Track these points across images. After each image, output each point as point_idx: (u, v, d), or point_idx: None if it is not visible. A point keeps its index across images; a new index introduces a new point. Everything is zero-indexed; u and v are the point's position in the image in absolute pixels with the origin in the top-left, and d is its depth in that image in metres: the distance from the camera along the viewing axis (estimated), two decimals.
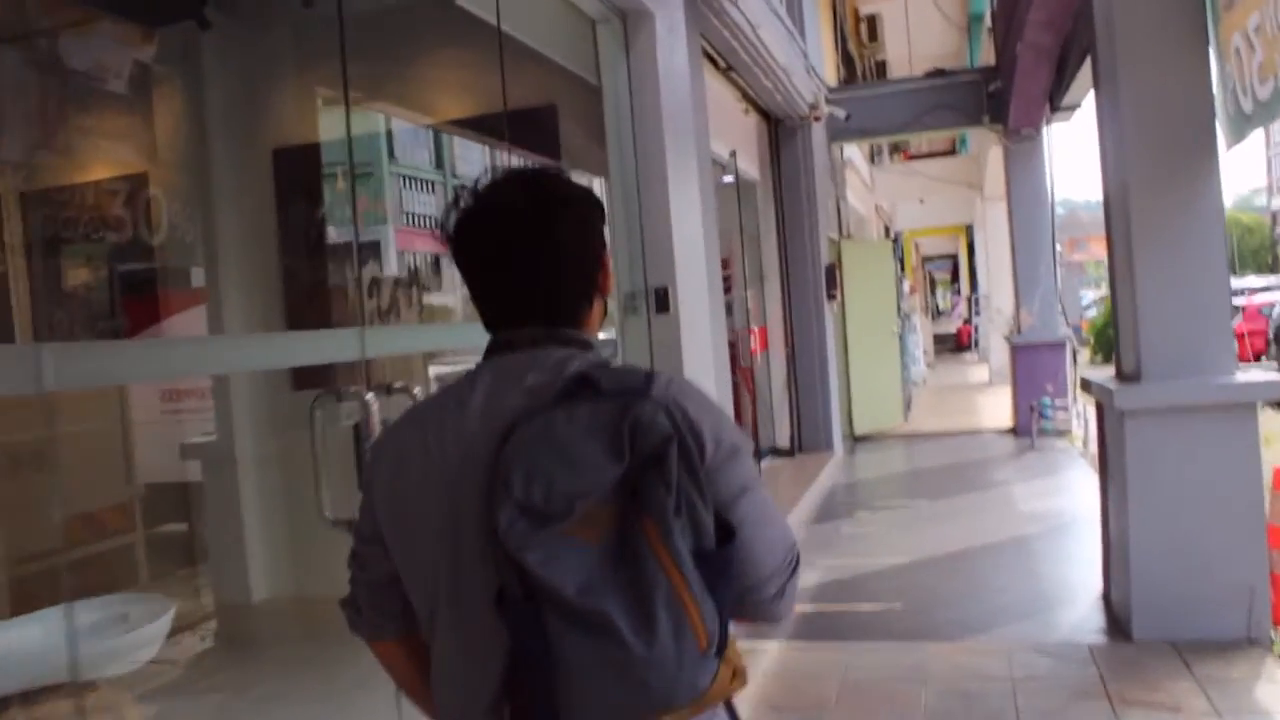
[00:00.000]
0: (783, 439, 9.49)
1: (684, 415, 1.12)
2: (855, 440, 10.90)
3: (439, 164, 6.75)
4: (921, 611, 4.93)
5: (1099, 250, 13.42)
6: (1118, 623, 4.44)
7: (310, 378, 4.05)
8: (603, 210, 1.35)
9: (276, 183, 4.48)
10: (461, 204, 1.28)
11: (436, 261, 5.47)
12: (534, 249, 1.25)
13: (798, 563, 1.28)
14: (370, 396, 2.60)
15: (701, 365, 4.55)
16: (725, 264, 8.68)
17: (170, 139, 4.73)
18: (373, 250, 4.92)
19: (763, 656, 4.39)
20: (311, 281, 4.56)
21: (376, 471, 1.30)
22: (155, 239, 4.71)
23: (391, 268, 5.12)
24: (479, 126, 4.71)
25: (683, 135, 4.64)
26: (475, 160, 6.30)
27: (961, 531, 6.50)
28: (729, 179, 8.02)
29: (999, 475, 8.48)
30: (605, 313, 1.38)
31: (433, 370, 4.51)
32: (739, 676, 1.16)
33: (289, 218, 4.55)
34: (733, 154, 7.50)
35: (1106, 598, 4.75)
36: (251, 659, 4.24)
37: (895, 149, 18.40)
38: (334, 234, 4.60)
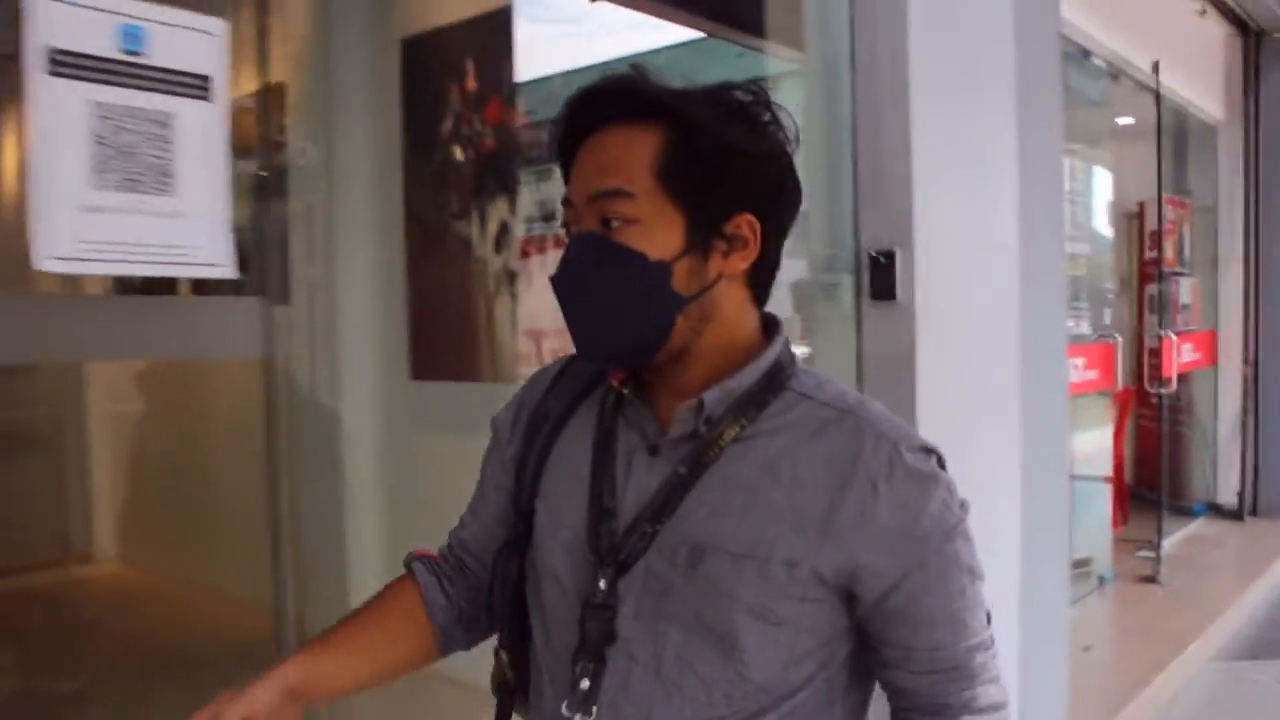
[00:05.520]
0: (1227, 493, 6.71)
1: None
2: None
3: None
4: None
5: None
6: None
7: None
8: None
9: None
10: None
11: None
12: None
13: None
14: None
15: (969, 403, 2.30)
16: (1154, 240, 6.21)
17: None
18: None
19: None
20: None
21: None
22: None
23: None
24: None
25: None
26: None
27: None
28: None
29: None
30: None
31: None
32: None
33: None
34: (1155, 67, 4.97)
35: None
36: None
37: None
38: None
